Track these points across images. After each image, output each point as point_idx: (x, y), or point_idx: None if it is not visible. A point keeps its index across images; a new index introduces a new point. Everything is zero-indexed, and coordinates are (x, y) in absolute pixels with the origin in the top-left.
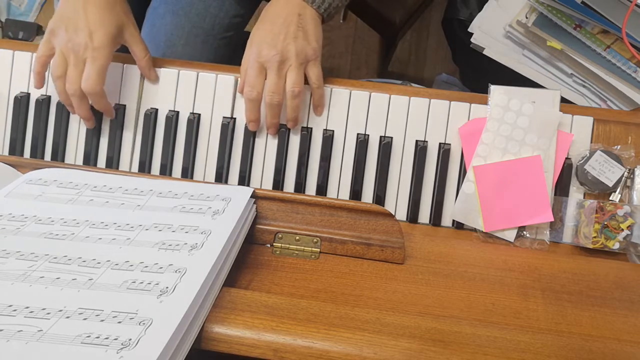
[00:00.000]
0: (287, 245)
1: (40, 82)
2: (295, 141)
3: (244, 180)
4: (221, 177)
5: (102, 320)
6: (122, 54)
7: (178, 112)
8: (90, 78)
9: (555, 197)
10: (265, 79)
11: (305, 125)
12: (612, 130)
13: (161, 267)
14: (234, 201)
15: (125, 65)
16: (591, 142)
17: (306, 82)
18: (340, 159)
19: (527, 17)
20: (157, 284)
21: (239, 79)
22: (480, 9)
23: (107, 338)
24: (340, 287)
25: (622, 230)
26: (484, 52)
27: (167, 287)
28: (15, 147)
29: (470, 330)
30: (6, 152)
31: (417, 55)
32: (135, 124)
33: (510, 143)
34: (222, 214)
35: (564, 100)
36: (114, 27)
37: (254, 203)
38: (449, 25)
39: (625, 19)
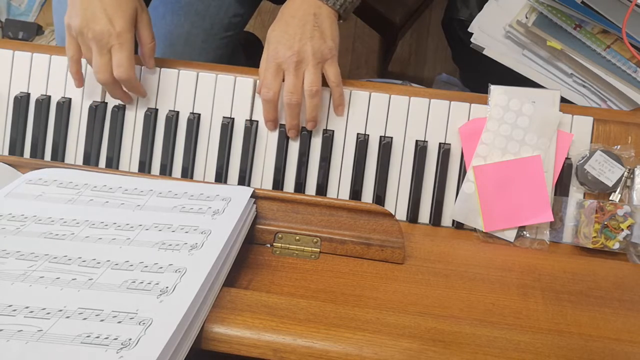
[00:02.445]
0: (287, 245)
1: (80, 82)
2: (295, 141)
3: (244, 180)
4: (221, 177)
5: (102, 320)
6: None
7: (178, 112)
8: (123, 65)
9: (555, 197)
10: (283, 80)
11: (304, 125)
12: (612, 130)
13: (161, 267)
14: (234, 201)
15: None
16: (591, 142)
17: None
18: (340, 159)
19: (527, 17)
20: (157, 283)
21: (257, 80)
22: (480, 9)
23: (107, 338)
24: (340, 287)
25: (622, 230)
26: (484, 52)
27: (167, 287)
28: (15, 147)
29: (470, 330)
30: (6, 152)
31: (417, 55)
32: (135, 124)
33: (510, 143)
34: (222, 213)
35: (564, 100)
36: (131, 9)
37: (254, 203)
38: (449, 25)
39: (625, 19)
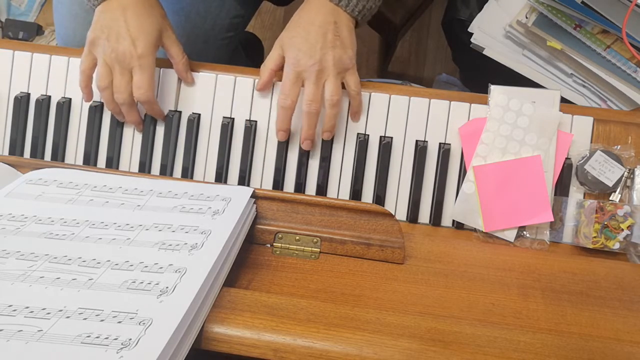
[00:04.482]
0: (287, 245)
1: (90, 96)
2: (295, 141)
3: (244, 180)
4: (221, 177)
5: (102, 320)
6: None
7: (178, 112)
8: (143, 87)
9: (555, 197)
10: (302, 87)
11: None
12: (612, 130)
13: (161, 267)
14: (234, 201)
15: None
16: (591, 142)
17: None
18: (341, 159)
19: (527, 17)
20: (157, 284)
21: (256, 79)
22: (480, 9)
23: (107, 338)
24: (340, 287)
25: (622, 230)
26: (484, 52)
27: (167, 287)
28: (15, 147)
29: (470, 330)
30: (6, 152)
31: (417, 55)
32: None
33: (510, 143)
34: (222, 214)
35: (564, 100)
36: (155, 31)
37: (254, 203)
38: (449, 25)
39: (625, 19)
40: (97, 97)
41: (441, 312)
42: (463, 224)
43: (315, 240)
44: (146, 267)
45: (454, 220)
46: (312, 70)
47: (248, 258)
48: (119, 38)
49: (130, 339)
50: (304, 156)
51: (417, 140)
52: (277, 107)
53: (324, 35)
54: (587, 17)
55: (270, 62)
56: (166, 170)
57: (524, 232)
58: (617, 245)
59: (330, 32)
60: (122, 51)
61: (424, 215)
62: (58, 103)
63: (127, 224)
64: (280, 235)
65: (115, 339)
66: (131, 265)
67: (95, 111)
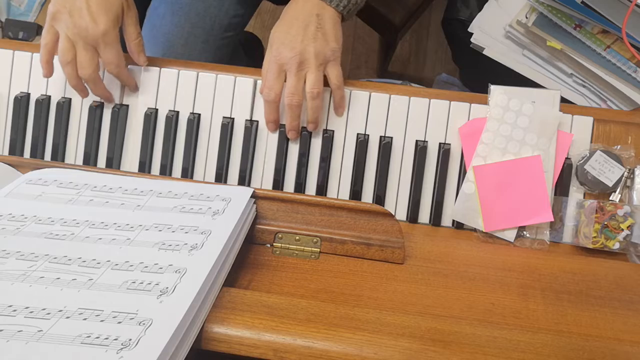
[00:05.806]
0: (287, 245)
1: (49, 71)
2: (295, 141)
3: (244, 180)
4: (221, 177)
5: (102, 321)
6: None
7: (178, 112)
8: (113, 62)
9: (555, 197)
10: (285, 80)
11: (305, 126)
12: (612, 130)
13: (161, 268)
14: (234, 201)
15: (127, 66)
16: (591, 142)
17: (326, 83)
18: (340, 159)
19: (527, 17)
20: (157, 284)
21: (257, 80)
22: (480, 9)
23: (107, 338)
24: (340, 287)
25: (622, 230)
26: (484, 52)
27: (167, 288)
28: (15, 147)
29: (470, 330)
30: (6, 152)
31: (417, 55)
32: (135, 124)
33: (510, 143)
34: (222, 214)
35: (564, 100)
36: (116, 7)
37: (254, 203)
38: (449, 25)
39: (625, 19)
40: (97, 96)
41: (441, 312)
42: (463, 224)
43: (315, 240)
44: (146, 267)
45: (454, 220)
46: (292, 62)
47: (248, 258)
48: (81, 13)
49: (130, 340)
50: (304, 156)
51: (417, 140)
52: (263, 100)
53: (306, 28)
54: (587, 17)
55: (266, 64)
56: (166, 170)
57: (524, 232)
58: (617, 245)
59: (312, 24)
60: (85, 27)
61: (424, 215)
62: (58, 103)
63: (127, 224)
64: (280, 235)
65: (115, 339)
66: (131, 266)
67: (96, 111)
